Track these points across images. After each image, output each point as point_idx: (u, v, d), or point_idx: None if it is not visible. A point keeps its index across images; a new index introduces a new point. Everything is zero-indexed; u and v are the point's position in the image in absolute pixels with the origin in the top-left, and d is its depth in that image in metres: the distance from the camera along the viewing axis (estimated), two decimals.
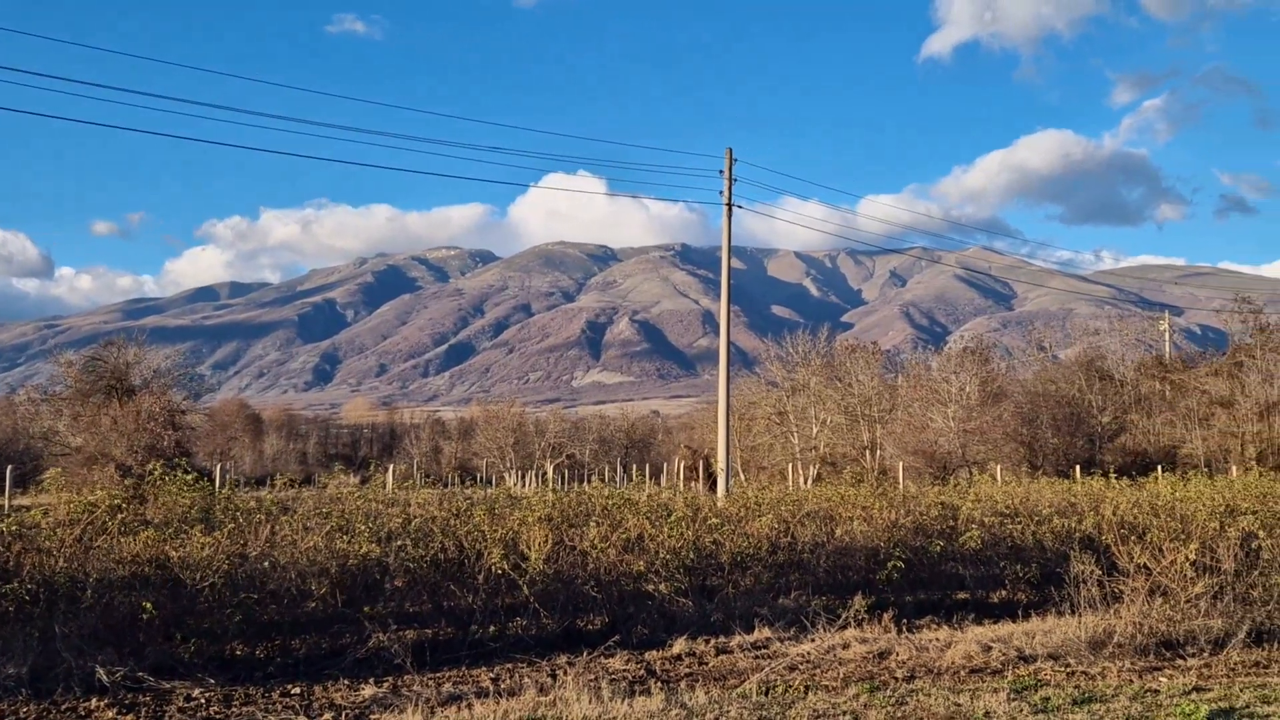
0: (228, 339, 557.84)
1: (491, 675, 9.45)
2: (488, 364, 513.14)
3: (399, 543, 11.14)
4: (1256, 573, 11.47)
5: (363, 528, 11.33)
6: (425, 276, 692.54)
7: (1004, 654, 10.07)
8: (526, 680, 9.04)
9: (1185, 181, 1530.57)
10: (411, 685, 8.96)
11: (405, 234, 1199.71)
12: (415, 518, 12.29)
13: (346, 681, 9.19)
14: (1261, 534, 12.06)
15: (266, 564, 10.28)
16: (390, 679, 9.23)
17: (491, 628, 10.93)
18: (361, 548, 10.78)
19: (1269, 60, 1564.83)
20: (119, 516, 11.10)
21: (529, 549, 11.32)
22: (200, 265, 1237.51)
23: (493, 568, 10.94)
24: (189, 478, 13.45)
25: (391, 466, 30.79)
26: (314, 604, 10.36)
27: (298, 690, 8.90)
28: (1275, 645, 10.53)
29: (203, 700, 8.54)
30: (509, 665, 9.85)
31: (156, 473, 13.79)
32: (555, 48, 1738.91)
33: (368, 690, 8.84)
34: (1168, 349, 64.65)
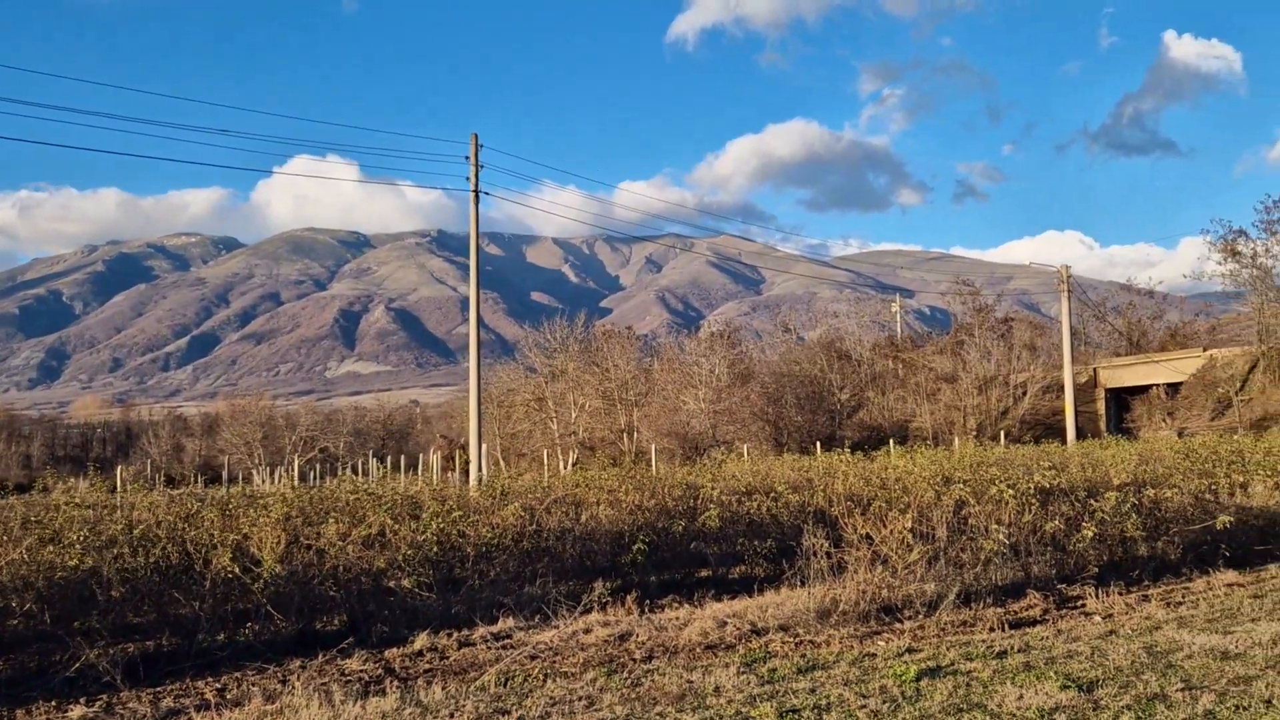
0: None
1: (218, 685, 8.96)
2: (234, 356, 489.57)
3: (117, 550, 10.41)
4: (965, 537, 12.36)
5: (74, 536, 10.53)
6: (163, 265, 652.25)
7: (738, 629, 10.41)
8: (254, 688, 8.62)
9: (926, 169, 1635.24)
10: (127, 702, 8.39)
11: (139, 219, 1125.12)
12: (140, 523, 11.54)
13: (54, 702, 8.50)
14: (972, 501, 12.99)
15: None
16: (104, 696, 8.60)
17: (221, 635, 10.39)
18: (72, 559, 10.01)
19: (1003, 55, 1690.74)
20: None
21: (261, 550, 10.83)
22: None
23: (221, 571, 10.39)
24: None
25: (120, 468, 28.82)
26: (17, 622, 9.54)
27: None
28: (981, 604, 11.38)
29: None
30: (238, 674, 9.37)
31: None
32: (302, 29, 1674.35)
33: (76, 711, 8.20)
34: (899, 329, 68.98)
